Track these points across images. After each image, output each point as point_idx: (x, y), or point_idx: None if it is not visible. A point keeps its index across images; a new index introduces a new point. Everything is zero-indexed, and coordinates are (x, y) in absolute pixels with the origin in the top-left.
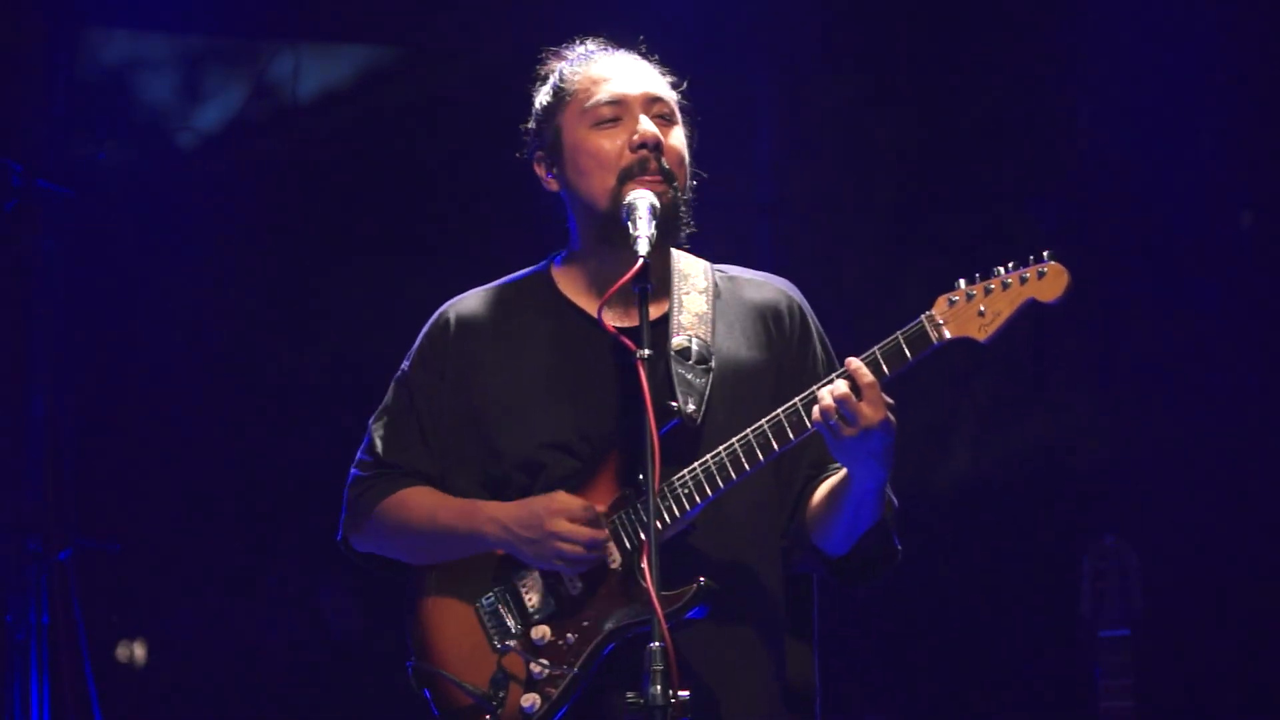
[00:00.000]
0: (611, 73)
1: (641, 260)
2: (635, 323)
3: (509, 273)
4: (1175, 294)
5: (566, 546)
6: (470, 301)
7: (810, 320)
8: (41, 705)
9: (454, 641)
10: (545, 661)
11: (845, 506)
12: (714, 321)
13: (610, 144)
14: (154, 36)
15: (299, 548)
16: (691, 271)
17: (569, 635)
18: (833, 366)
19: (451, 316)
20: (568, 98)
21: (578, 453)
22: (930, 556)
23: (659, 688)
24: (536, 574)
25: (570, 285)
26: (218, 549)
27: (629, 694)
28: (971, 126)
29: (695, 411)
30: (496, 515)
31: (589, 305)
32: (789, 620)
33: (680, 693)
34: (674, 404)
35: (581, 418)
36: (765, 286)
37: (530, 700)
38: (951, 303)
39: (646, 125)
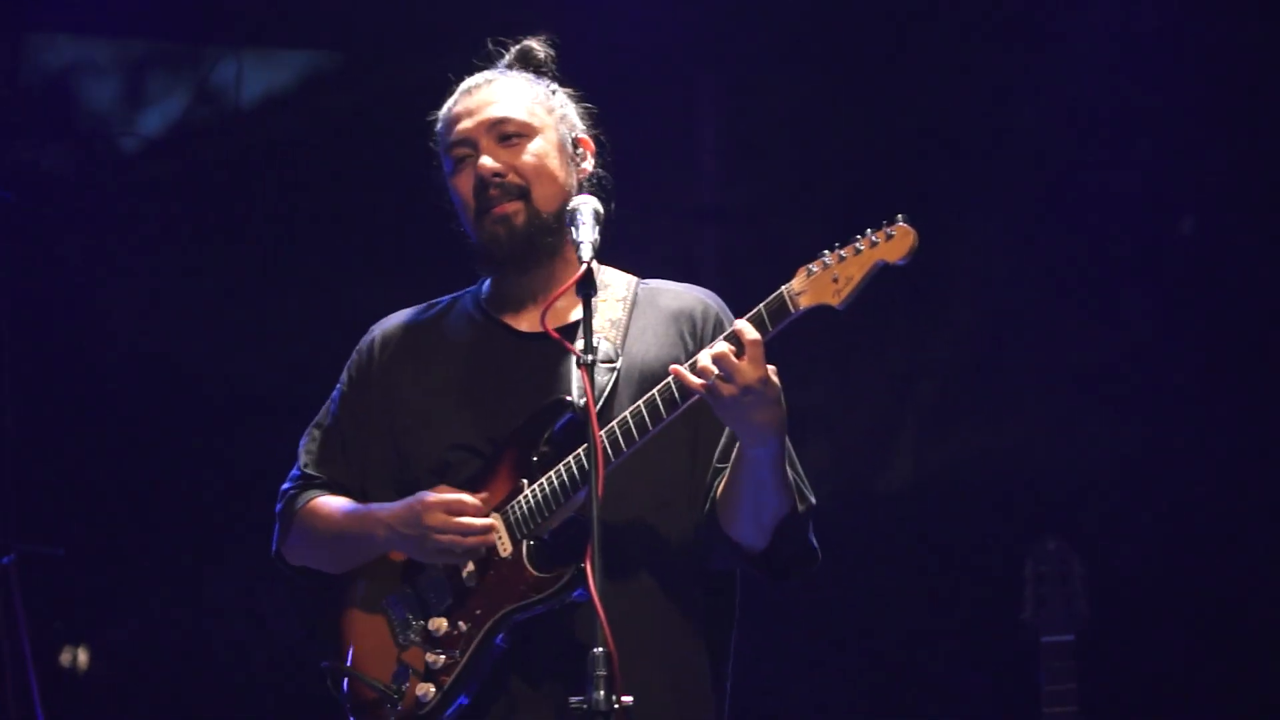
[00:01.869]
0: (460, 110)
1: (585, 265)
2: (557, 324)
3: (450, 276)
4: (1116, 299)
5: (444, 538)
6: (395, 319)
7: (726, 325)
8: None
9: (362, 640)
10: (439, 652)
11: (744, 483)
12: (627, 327)
13: (465, 184)
14: (96, 41)
15: (243, 552)
16: (613, 282)
17: (461, 624)
18: None
19: (377, 335)
20: (439, 146)
21: (482, 452)
22: (872, 561)
23: (602, 693)
24: (439, 569)
25: (492, 299)
26: (162, 554)
27: (572, 699)
28: (916, 132)
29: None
30: (382, 517)
31: (507, 315)
32: (704, 617)
33: (624, 698)
34: (569, 398)
35: (487, 419)
36: (683, 295)
37: (424, 690)
38: (810, 273)
39: (482, 160)
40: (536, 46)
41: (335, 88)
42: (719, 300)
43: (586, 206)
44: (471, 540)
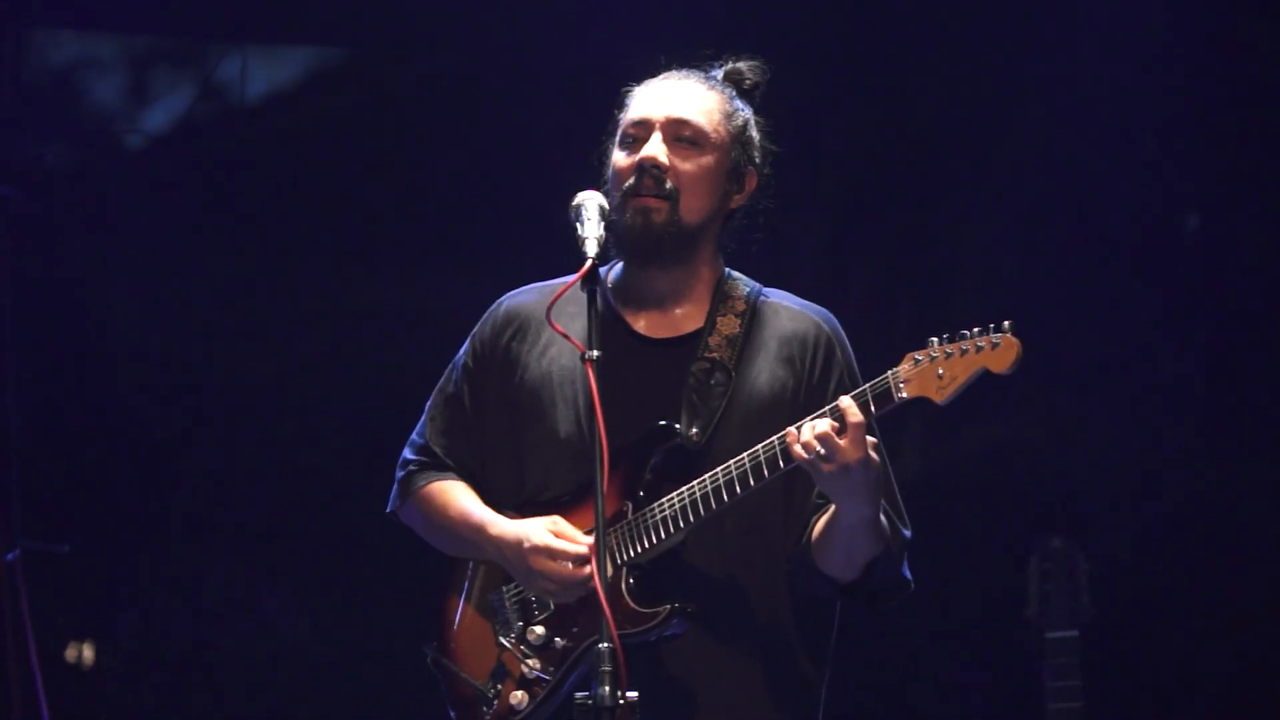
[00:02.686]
0: (648, 95)
1: (590, 261)
2: (673, 333)
3: (459, 270)
4: (1121, 296)
5: (546, 584)
6: (523, 295)
7: (837, 351)
8: None
9: (464, 632)
10: (535, 663)
11: (838, 537)
12: (743, 346)
13: (625, 162)
14: (101, 37)
15: (247, 550)
16: (735, 294)
17: (558, 640)
18: (839, 391)
19: (503, 309)
20: (619, 112)
21: (590, 456)
22: None
23: (607, 689)
24: None
25: (619, 291)
26: (166, 550)
27: (577, 695)
28: (920, 128)
29: (699, 434)
30: (495, 537)
31: (629, 312)
32: (798, 643)
33: (629, 694)
34: (677, 425)
35: (596, 427)
36: (800, 316)
37: (519, 698)
38: (915, 362)
39: (650, 148)
40: (746, 72)
41: (340, 84)
42: (834, 323)
43: (591, 202)
44: (569, 592)
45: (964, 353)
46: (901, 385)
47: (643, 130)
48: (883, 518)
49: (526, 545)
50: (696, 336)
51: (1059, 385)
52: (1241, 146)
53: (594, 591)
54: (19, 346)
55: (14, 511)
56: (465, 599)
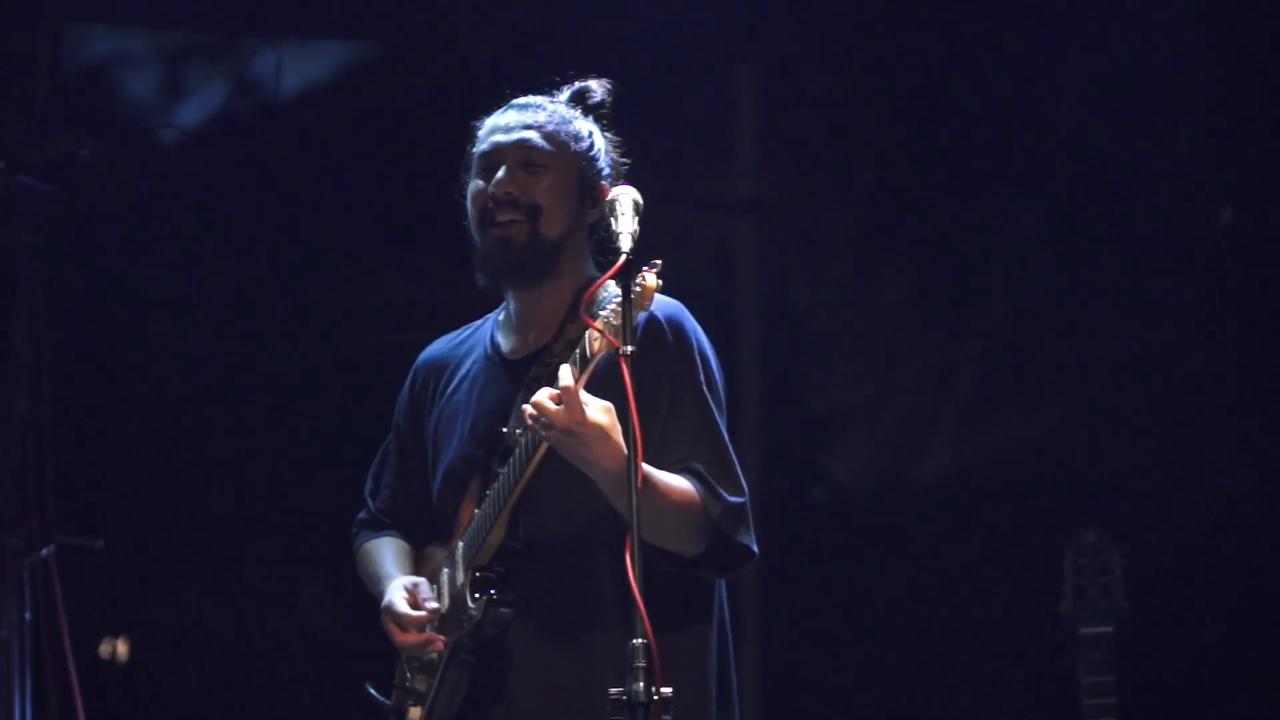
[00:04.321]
0: (498, 125)
1: (625, 256)
2: (528, 350)
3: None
4: (1155, 289)
5: (406, 650)
6: (432, 349)
7: (668, 338)
8: (24, 702)
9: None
10: (424, 676)
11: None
12: (602, 356)
13: (481, 194)
14: (136, 32)
15: (282, 545)
16: (594, 302)
17: (434, 653)
18: (682, 384)
19: (416, 366)
20: (472, 147)
21: (463, 477)
22: (911, 552)
23: (641, 684)
24: None
25: (502, 323)
26: (201, 545)
27: (611, 690)
28: (953, 123)
29: (522, 432)
30: (384, 589)
31: (502, 338)
32: (671, 623)
33: (663, 689)
34: (504, 429)
35: (471, 444)
36: (650, 326)
37: (415, 714)
38: (605, 321)
39: (502, 177)
40: (595, 89)
41: (375, 79)
42: (672, 312)
43: (626, 197)
44: (410, 650)
45: (618, 306)
46: (593, 341)
47: (494, 160)
48: (693, 481)
49: (384, 614)
50: (548, 345)
51: (1093, 379)
52: (1276, 141)
53: (453, 593)
54: (54, 340)
55: (48, 507)
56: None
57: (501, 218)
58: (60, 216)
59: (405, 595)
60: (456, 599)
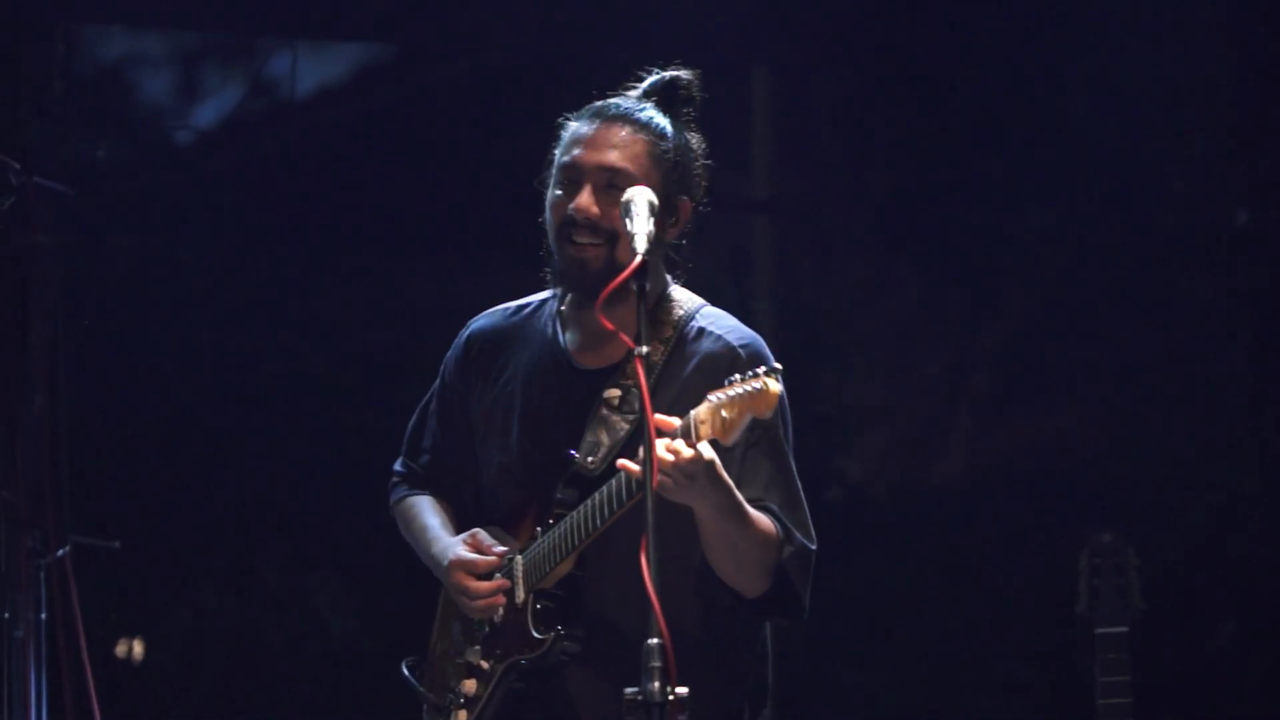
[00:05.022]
0: (583, 137)
1: (640, 257)
2: (602, 364)
3: (506, 266)
4: (1171, 290)
5: (465, 600)
6: (486, 320)
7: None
8: (40, 701)
9: (441, 639)
10: (471, 684)
11: (707, 536)
12: (660, 372)
13: (561, 208)
14: (151, 34)
15: (297, 545)
16: (666, 319)
17: (485, 662)
18: (757, 426)
19: (467, 335)
20: (553, 154)
21: (522, 482)
22: (926, 551)
23: (657, 684)
24: None
25: (566, 317)
26: (217, 546)
27: (627, 690)
28: (967, 124)
29: (595, 462)
30: (434, 555)
31: (570, 339)
32: (712, 660)
33: (679, 689)
34: (573, 454)
35: (532, 447)
36: (720, 340)
37: (461, 716)
38: (710, 403)
39: (581, 198)
40: (682, 84)
41: (389, 80)
42: (753, 348)
43: (641, 198)
44: (480, 604)
45: (737, 397)
46: (699, 426)
47: (575, 174)
48: (770, 521)
49: (445, 562)
50: (621, 363)
51: (1108, 380)
52: None
53: (512, 609)
54: (69, 341)
55: (64, 507)
56: (437, 617)
57: (580, 239)
58: (76, 217)
59: (468, 543)
60: (516, 621)
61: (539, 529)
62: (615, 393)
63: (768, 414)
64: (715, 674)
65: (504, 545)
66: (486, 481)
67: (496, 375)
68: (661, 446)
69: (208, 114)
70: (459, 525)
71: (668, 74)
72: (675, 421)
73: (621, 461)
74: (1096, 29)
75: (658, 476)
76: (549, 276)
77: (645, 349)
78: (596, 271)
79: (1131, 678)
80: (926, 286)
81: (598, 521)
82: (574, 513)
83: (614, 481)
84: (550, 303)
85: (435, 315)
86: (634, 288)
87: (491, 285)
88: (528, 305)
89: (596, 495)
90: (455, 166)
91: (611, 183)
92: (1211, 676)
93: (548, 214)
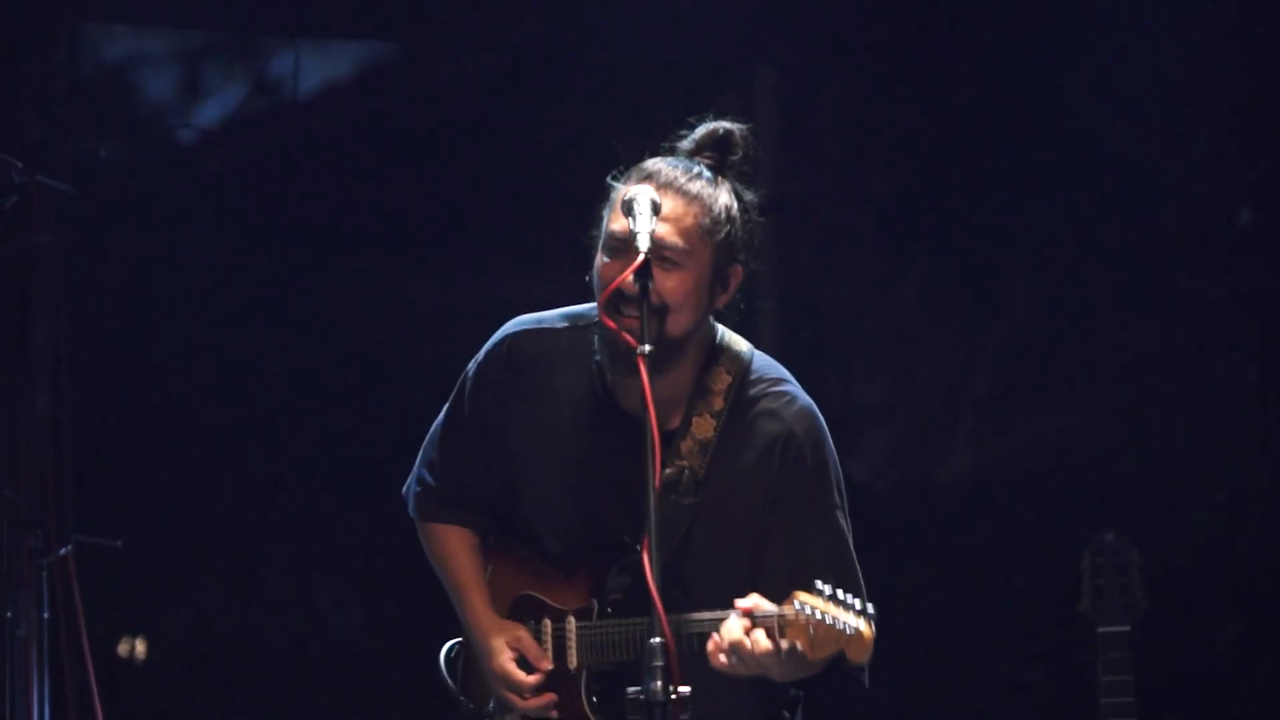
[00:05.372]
0: (630, 199)
1: (642, 256)
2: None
3: (511, 266)
4: (1173, 290)
5: (502, 693)
6: (529, 333)
7: (807, 457)
8: (43, 700)
9: (471, 660)
10: None
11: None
12: (715, 452)
13: (609, 272)
14: (154, 32)
15: (300, 544)
16: (716, 387)
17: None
18: (815, 502)
19: (506, 347)
20: (604, 213)
21: (571, 528)
22: (930, 551)
23: (659, 683)
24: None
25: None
26: (219, 545)
27: (629, 688)
28: (972, 123)
29: (663, 553)
30: (471, 624)
31: (617, 381)
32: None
33: (680, 688)
34: (634, 544)
35: (582, 491)
36: (776, 417)
37: None
38: (797, 609)
39: (631, 277)
40: (735, 141)
41: (393, 79)
42: (809, 423)
43: (644, 196)
44: (524, 707)
45: (833, 624)
46: (785, 629)
47: (624, 242)
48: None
49: (488, 662)
50: (672, 436)
51: (1111, 379)
52: None
53: (563, 670)
54: (72, 340)
55: (67, 506)
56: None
57: (629, 312)
58: (79, 217)
59: (512, 655)
60: (567, 687)
61: (594, 601)
62: (672, 475)
63: (862, 659)
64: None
65: (543, 654)
66: (525, 507)
67: (539, 395)
68: (738, 627)
69: (210, 113)
70: (486, 546)
71: (720, 128)
72: (757, 602)
73: (742, 606)
74: (1098, 29)
75: (721, 658)
76: (598, 342)
77: (648, 347)
78: (651, 341)
79: (1133, 677)
80: (929, 286)
81: (680, 645)
82: (644, 620)
83: (707, 617)
84: (597, 334)
85: (435, 315)
86: (637, 286)
87: (492, 285)
88: (577, 320)
89: (684, 618)
90: (457, 166)
91: (659, 254)
92: (1213, 676)
93: (595, 277)
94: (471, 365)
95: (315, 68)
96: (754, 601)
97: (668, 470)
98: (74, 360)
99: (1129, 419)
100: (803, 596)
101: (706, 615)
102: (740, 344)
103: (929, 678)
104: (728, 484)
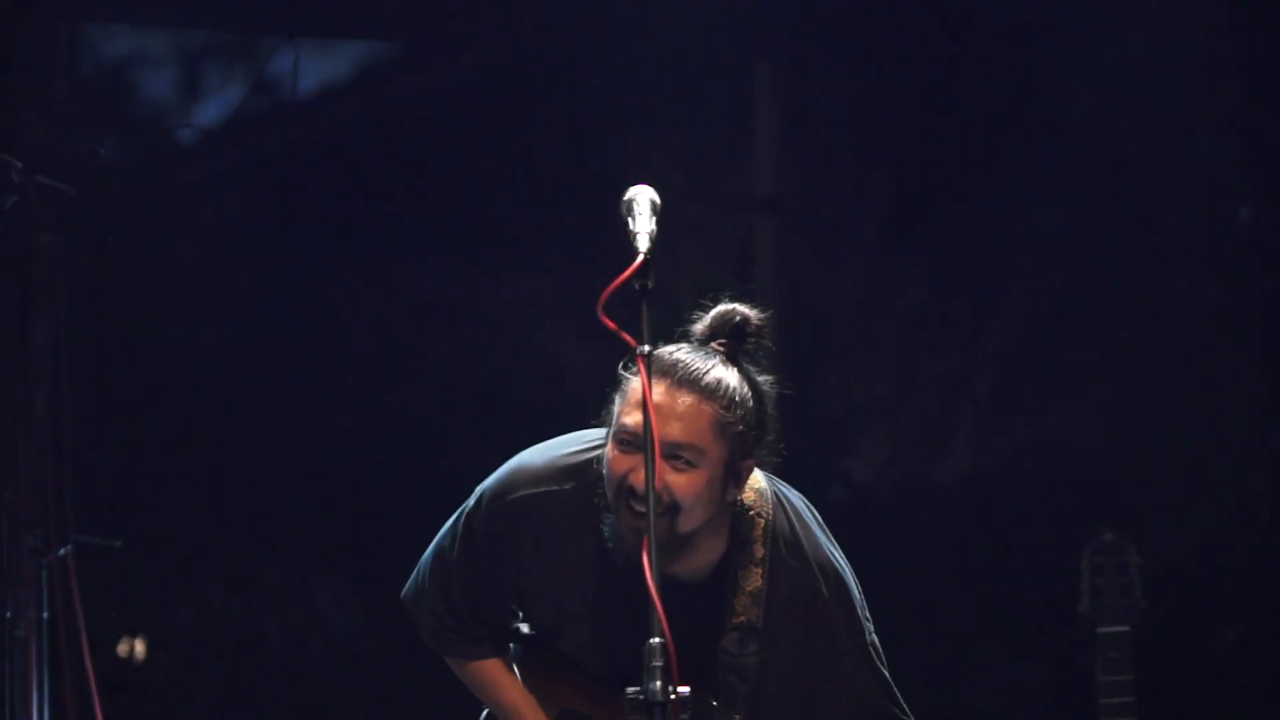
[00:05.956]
0: (642, 395)
1: (642, 256)
2: (696, 576)
3: (501, 269)
4: (1173, 290)
5: None
6: (535, 495)
7: (836, 612)
8: (42, 701)
9: None
10: None
11: None
12: (767, 602)
13: (618, 465)
14: (153, 32)
15: (300, 545)
16: (751, 536)
17: None
18: (842, 637)
19: (509, 502)
20: (618, 403)
21: (594, 675)
22: (929, 552)
23: (658, 683)
24: None
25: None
26: (219, 545)
27: (629, 689)
28: (972, 122)
29: (738, 711)
30: None
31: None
32: None
33: (680, 689)
34: (714, 703)
35: (602, 639)
36: (808, 571)
37: None
38: None
39: (640, 473)
40: (750, 325)
41: (392, 79)
42: (833, 575)
43: (643, 196)
44: None
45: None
46: None
47: (636, 438)
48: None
49: None
50: (719, 582)
51: (1111, 379)
52: None
53: None
54: (73, 340)
55: (66, 506)
56: None
57: (639, 508)
58: (79, 216)
59: None
60: None
61: None
62: (734, 636)
63: None
64: None
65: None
66: (551, 641)
67: (551, 557)
68: None
69: (210, 112)
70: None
71: (735, 313)
72: None
73: None
74: (1101, 28)
75: None
76: (607, 534)
77: (647, 347)
78: (659, 539)
79: (1133, 677)
80: (931, 286)
81: None
82: None
83: None
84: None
85: (440, 314)
86: (636, 287)
87: (492, 285)
88: (571, 481)
89: None
90: (458, 166)
91: (672, 454)
92: (1213, 676)
93: (606, 469)
94: (477, 520)
95: (315, 67)
96: None
97: (731, 633)
98: (74, 360)
99: (1129, 419)
100: None
101: None
102: (758, 479)
103: (928, 677)
104: (783, 640)
